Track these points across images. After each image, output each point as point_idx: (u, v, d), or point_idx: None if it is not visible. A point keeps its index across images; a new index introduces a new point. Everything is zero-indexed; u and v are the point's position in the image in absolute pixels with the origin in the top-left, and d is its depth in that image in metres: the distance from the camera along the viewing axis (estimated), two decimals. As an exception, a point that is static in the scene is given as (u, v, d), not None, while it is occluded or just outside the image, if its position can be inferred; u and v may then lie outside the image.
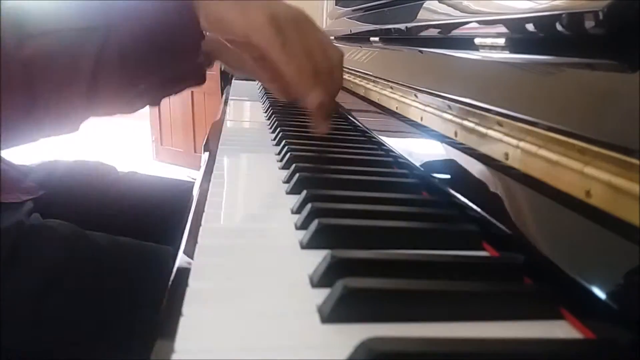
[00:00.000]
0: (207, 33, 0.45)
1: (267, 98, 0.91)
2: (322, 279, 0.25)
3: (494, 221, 0.31)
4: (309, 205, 0.34)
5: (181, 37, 0.42)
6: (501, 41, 0.40)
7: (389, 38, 0.75)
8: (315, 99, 0.46)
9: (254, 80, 1.16)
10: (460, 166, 0.38)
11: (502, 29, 0.41)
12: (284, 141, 0.54)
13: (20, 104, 0.38)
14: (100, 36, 0.38)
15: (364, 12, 0.93)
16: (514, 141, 0.31)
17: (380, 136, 0.56)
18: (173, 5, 0.41)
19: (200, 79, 0.49)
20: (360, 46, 0.82)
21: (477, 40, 0.44)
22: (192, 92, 2.80)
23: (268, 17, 0.42)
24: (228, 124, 0.72)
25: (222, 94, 1.06)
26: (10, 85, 0.37)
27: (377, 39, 0.79)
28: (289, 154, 0.49)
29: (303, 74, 0.44)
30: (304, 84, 0.45)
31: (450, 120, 0.39)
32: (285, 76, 0.45)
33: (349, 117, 0.69)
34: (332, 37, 1.12)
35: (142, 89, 0.44)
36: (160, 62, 0.43)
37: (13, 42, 0.36)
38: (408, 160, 0.46)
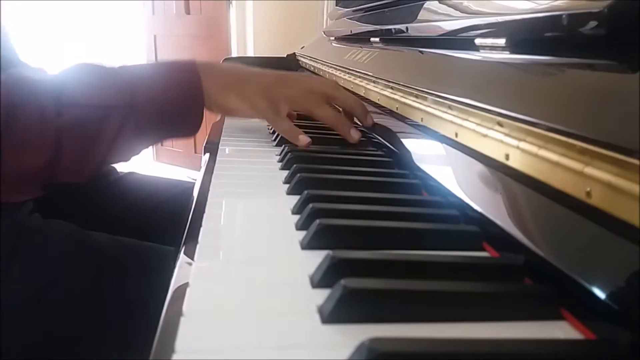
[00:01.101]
0: None
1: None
2: (323, 280, 0.25)
3: (495, 221, 0.31)
4: (309, 206, 0.34)
5: (189, 120, 0.51)
6: (501, 42, 0.40)
7: (389, 38, 0.75)
8: (329, 117, 0.56)
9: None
10: (460, 166, 0.38)
11: (503, 30, 0.41)
12: (284, 141, 0.54)
13: (44, 161, 0.44)
14: (122, 114, 0.46)
15: (365, 12, 0.93)
16: (514, 142, 0.31)
17: (380, 137, 0.56)
18: (187, 97, 0.49)
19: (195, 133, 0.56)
20: (361, 46, 0.82)
21: (477, 41, 0.44)
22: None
23: (265, 99, 0.53)
24: (228, 124, 0.72)
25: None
26: (42, 146, 0.43)
27: (377, 39, 0.79)
28: (289, 154, 0.49)
29: (292, 133, 0.54)
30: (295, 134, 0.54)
31: (451, 121, 0.39)
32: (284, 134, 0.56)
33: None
34: (333, 37, 1.12)
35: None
36: (168, 134, 0.52)
37: (52, 110, 0.43)
38: (408, 160, 0.46)
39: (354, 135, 0.55)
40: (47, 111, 0.43)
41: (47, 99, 0.43)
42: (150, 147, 3.21)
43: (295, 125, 0.56)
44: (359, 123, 0.59)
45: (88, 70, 0.47)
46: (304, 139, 0.53)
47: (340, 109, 0.59)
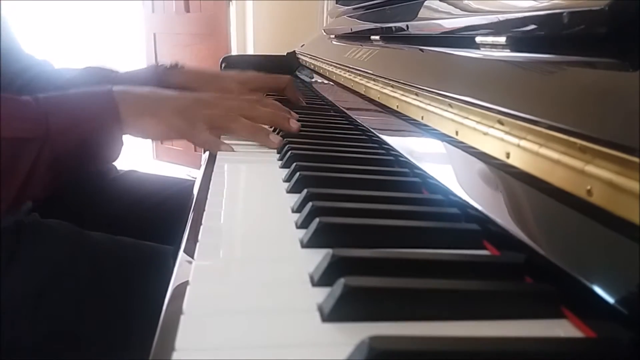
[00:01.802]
0: None
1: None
2: (323, 278, 0.25)
3: (495, 220, 0.31)
4: (309, 204, 0.34)
5: (108, 145, 0.50)
6: (502, 40, 0.40)
7: (389, 36, 0.75)
8: (263, 116, 0.57)
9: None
10: (461, 165, 0.38)
11: (503, 28, 0.41)
12: (284, 140, 0.54)
13: None
14: (36, 147, 0.44)
15: (365, 10, 0.93)
16: (514, 140, 0.31)
17: (380, 135, 0.56)
18: (103, 121, 0.49)
19: (116, 159, 0.56)
20: (361, 44, 0.82)
21: (478, 39, 0.44)
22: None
23: (181, 118, 0.52)
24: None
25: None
26: None
27: (377, 37, 0.79)
28: (289, 152, 0.49)
29: (212, 143, 0.54)
30: (214, 146, 0.53)
31: (451, 119, 0.39)
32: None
33: (349, 115, 0.69)
34: (333, 36, 1.12)
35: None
36: (89, 163, 0.51)
37: None
38: (409, 158, 0.46)
39: (274, 140, 0.55)
40: None
41: None
42: (150, 145, 3.21)
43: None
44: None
45: (2, 102, 0.46)
46: (225, 147, 0.52)
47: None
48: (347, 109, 0.72)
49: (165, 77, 0.75)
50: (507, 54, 0.40)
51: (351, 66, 0.75)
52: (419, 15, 0.60)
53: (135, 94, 0.53)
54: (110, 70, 0.75)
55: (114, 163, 0.74)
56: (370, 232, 0.31)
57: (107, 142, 0.50)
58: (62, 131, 0.46)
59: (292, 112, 0.60)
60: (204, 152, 0.54)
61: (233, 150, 0.52)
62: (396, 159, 0.50)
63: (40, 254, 0.50)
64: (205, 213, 0.35)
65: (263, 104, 0.59)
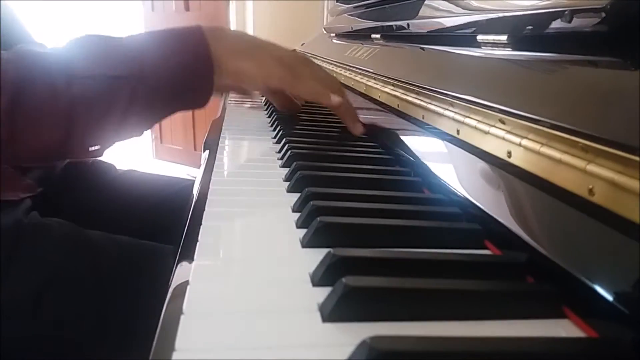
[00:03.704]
0: None
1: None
2: (323, 278, 0.25)
3: (496, 219, 0.30)
4: (309, 204, 0.34)
5: (199, 87, 0.49)
6: (503, 38, 0.40)
7: (390, 35, 0.74)
8: (336, 100, 0.55)
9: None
10: (462, 164, 0.38)
11: (505, 26, 0.40)
12: (284, 139, 0.54)
13: (58, 134, 0.43)
14: (131, 84, 0.45)
15: (365, 8, 0.92)
16: (516, 139, 0.30)
17: (381, 134, 0.56)
18: (195, 61, 0.48)
19: (206, 104, 0.55)
20: (362, 43, 0.82)
21: (479, 38, 0.44)
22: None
23: (279, 63, 0.51)
24: (228, 122, 0.71)
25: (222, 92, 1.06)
26: (55, 121, 0.42)
27: (378, 35, 0.79)
28: (289, 152, 0.49)
29: (317, 94, 0.55)
30: (322, 97, 0.55)
31: (452, 118, 0.39)
32: (304, 99, 0.57)
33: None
34: (333, 34, 1.12)
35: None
36: (179, 105, 0.50)
37: (63, 82, 0.42)
38: (410, 158, 0.46)
39: (359, 128, 0.56)
40: (57, 85, 0.42)
41: (56, 73, 0.42)
42: (150, 144, 3.21)
43: (296, 122, 0.55)
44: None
45: (94, 41, 0.46)
46: (336, 98, 0.52)
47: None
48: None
49: None
50: (508, 52, 0.40)
51: (352, 65, 0.75)
52: (419, 14, 0.60)
53: (228, 34, 0.52)
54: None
55: (113, 163, 0.74)
56: (371, 231, 0.31)
57: (199, 81, 0.49)
58: (154, 69, 0.46)
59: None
60: (204, 151, 0.53)
61: (346, 103, 0.53)
62: (397, 158, 0.49)
63: (40, 253, 0.50)
64: (205, 213, 0.35)
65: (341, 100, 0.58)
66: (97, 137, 0.46)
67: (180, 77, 0.47)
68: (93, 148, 0.46)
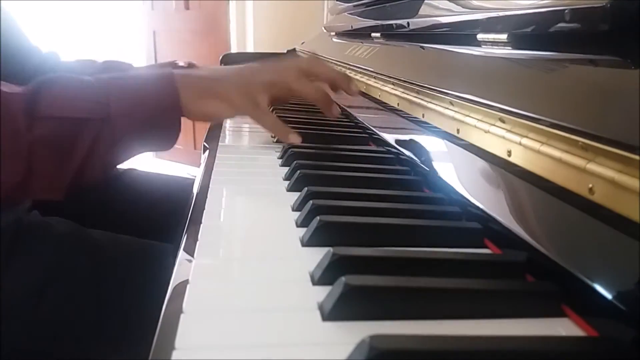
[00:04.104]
0: None
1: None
2: (323, 277, 0.25)
3: (496, 218, 0.30)
4: (309, 203, 0.34)
5: (165, 134, 0.50)
6: (503, 37, 0.40)
7: (390, 34, 0.74)
8: (310, 93, 0.54)
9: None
10: (462, 163, 0.38)
11: (505, 25, 0.40)
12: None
13: (16, 174, 0.42)
14: (95, 127, 0.44)
15: (365, 7, 0.92)
16: (516, 138, 0.30)
17: (381, 133, 0.56)
18: (163, 111, 0.48)
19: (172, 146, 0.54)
20: (362, 42, 0.82)
21: (479, 36, 0.44)
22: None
23: (241, 93, 0.51)
24: (228, 121, 0.71)
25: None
26: (14, 159, 0.41)
27: (378, 34, 0.78)
28: (289, 150, 0.49)
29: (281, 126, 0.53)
30: (281, 129, 0.53)
31: (452, 117, 0.39)
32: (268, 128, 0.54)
33: (350, 113, 0.69)
34: (333, 33, 1.12)
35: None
36: (143, 149, 0.50)
37: (25, 123, 0.41)
38: (409, 157, 0.46)
39: (334, 111, 0.54)
40: (19, 126, 0.41)
41: (19, 113, 0.41)
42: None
43: (296, 121, 0.55)
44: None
45: (63, 82, 0.46)
46: (293, 137, 0.51)
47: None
48: (348, 106, 0.72)
49: None
50: (508, 51, 0.40)
51: (352, 64, 0.75)
52: (419, 13, 0.59)
53: (195, 77, 0.52)
54: (129, 65, 0.76)
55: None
56: (371, 230, 0.31)
57: (167, 126, 0.49)
58: (123, 113, 0.45)
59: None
60: (204, 152, 0.53)
61: (301, 139, 0.51)
62: (397, 157, 0.49)
63: (40, 252, 0.50)
64: (205, 212, 0.35)
65: (320, 67, 0.56)
66: (57, 179, 0.45)
67: (147, 123, 0.47)
68: (55, 189, 0.45)
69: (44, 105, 0.43)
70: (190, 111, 0.49)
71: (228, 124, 0.70)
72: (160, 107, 0.48)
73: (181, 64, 0.80)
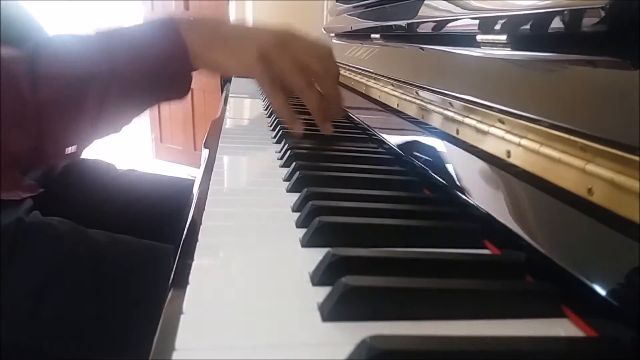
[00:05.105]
0: None
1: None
2: (323, 277, 0.25)
3: (496, 219, 0.30)
4: (309, 204, 0.34)
5: (175, 80, 0.48)
6: (503, 38, 0.40)
7: (390, 35, 0.74)
8: (313, 102, 0.52)
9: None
10: (461, 164, 0.38)
11: (504, 26, 0.40)
12: (284, 139, 0.54)
13: (28, 140, 0.41)
14: (103, 82, 0.42)
15: (365, 8, 0.92)
16: (515, 139, 0.30)
17: (381, 134, 0.56)
18: (169, 54, 0.46)
19: (186, 94, 0.53)
20: (361, 43, 0.82)
21: (478, 37, 0.44)
22: (192, 89, 2.80)
23: (258, 53, 0.48)
24: (228, 121, 0.71)
25: (222, 92, 1.06)
26: (23, 128, 0.40)
27: (378, 35, 0.79)
28: (289, 151, 0.49)
29: (285, 107, 0.51)
30: (287, 113, 0.52)
31: (452, 118, 0.39)
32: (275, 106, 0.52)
33: (350, 114, 0.69)
34: (333, 34, 1.12)
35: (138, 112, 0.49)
36: (156, 98, 0.48)
37: (28, 85, 0.39)
38: (409, 157, 0.46)
39: (328, 128, 0.54)
40: (23, 89, 0.39)
41: (21, 75, 0.39)
42: (150, 144, 3.21)
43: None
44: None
45: (63, 40, 0.44)
46: (297, 125, 0.50)
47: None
48: (347, 107, 0.72)
49: None
50: (507, 52, 0.40)
51: (351, 65, 0.75)
52: (419, 14, 0.60)
53: (202, 23, 0.50)
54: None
55: (113, 163, 0.74)
56: (371, 231, 0.31)
57: (175, 73, 0.47)
58: (127, 64, 0.44)
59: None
60: (204, 152, 0.53)
61: (303, 133, 0.50)
62: (396, 158, 0.50)
63: (41, 252, 0.50)
64: (205, 212, 0.35)
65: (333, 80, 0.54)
66: (71, 138, 0.44)
67: (154, 71, 0.45)
68: (70, 150, 0.44)
69: (45, 65, 0.41)
70: (198, 59, 0.47)
71: (228, 124, 0.71)
72: (164, 52, 0.46)
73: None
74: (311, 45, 0.53)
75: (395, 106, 0.53)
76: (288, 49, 0.50)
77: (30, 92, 0.39)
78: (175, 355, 0.20)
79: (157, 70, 0.46)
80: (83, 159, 0.73)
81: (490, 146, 0.33)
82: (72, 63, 0.42)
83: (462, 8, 0.50)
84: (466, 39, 0.46)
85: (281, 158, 0.50)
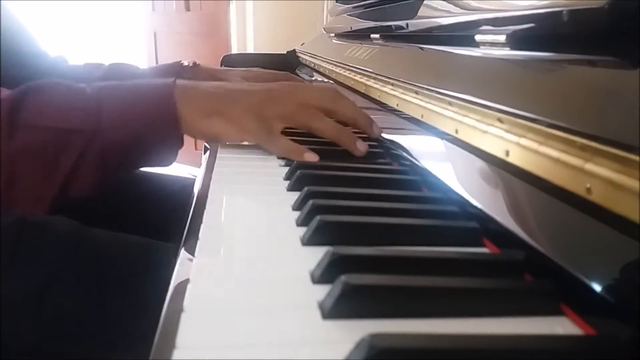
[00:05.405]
0: None
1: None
2: (323, 276, 0.25)
3: (495, 218, 0.31)
4: (309, 202, 0.34)
5: (162, 149, 0.46)
6: (502, 38, 0.40)
7: (389, 35, 0.75)
8: (329, 129, 0.49)
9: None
10: (460, 163, 0.38)
11: (503, 26, 0.41)
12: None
13: (1, 184, 0.40)
14: (84, 140, 0.41)
15: (365, 9, 0.93)
16: (514, 138, 0.31)
17: (380, 133, 0.56)
18: (159, 120, 0.44)
19: (170, 164, 0.51)
20: (361, 43, 0.82)
21: (477, 37, 0.44)
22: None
23: (254, 119, 0.47)
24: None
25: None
26: None
27: (377, 35, 0.79)
28: (289, 151, 0.49)
29: (290, 145, 0.48)
30: (295, 149, 0.48)
31: (451, 117, 0.39)
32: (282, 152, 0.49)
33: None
34: (333, 34, 1.12)
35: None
36: (139, 164, 0.46)
37: (7, 131, 0.39)
38: (408, 156, 0.46)
39: (360, 147, 0.49)
40: (1, 134, 0.38)
41: (2, 119, 0.39)
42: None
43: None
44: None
45: (52, 89, 0.43)
46: (310, 156, 0.47)
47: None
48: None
49: (186, 75, 0.75)
50: (506, 52, 0.40)
51: (351, 64, 0.75)
52: (418, 14, 0.60)
53: (199, 90, 0.48)
54: (135, 68, 0.75)
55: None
56: (371, 230, 0.31)
57: (163, 142, 0.45)
58: (113, 125, 0.42)
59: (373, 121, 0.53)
60: (205, 152, 0.54)
61: (318, 159, 0.47)
62: (396, 157, 0.50)
63: (43, 251, 0.50)
64: (206, 211, 0.35)
65: (342, 106, 0.51)
66: (41, 191, 0.42)
67: (140, 138, 0.44)
68: (39, 202, 0.43)
69: (27, 113, 0.40)
70: (191, 128, 0.46)
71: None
72: (155, 122, 0.44)
73: (186, 63, 0.80)
74: (305, 90, 0.52)
75: (395, 106, 0.53)
76: (279, 100, 0.49)
77: (6, 137, 0.39)
78: (176, 353, 0.20)
79: (144, 138, 0.44)
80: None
81: (489, 145, 0.34)
82: (55, 115, 0.41)
83: (462, 8, 0.50)
84: (465, 39, 0.46)
85: (282, 157, 0.50)
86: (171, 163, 0.47)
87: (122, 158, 0.44)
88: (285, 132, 0.56)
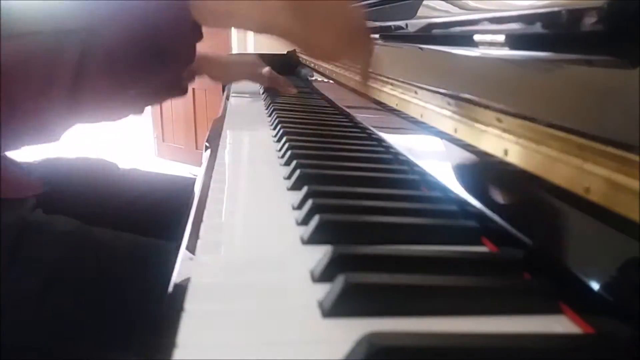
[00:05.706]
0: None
1: (268, 95, 0.91)
2: (323, 274, 0.26)
3: (493, 217, 0.31)
4: (309, 201, 0.34)
5: (175, 39, 0.38)
6: (501, 38, 0.40)
7: (389, 35, 0.75)
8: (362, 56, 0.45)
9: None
10: (459, 162, 0.38)
11: (502, 26, 0.41)
12: (284, 138, 0.55)
13: None
14: (81, 40, 0.35)
15: (364, 9, 0.92)
16: (513, 137, 0.31)
17: (380, 133, 0.56)
18: (166, 4, 0.37)
19: (183, 92, 0.47)
20: (361, 43, 0.82)
21: (476, 37, 0.44)
22: (193, 88, 2.80)
23: (290, 12, 0.39)
24: (229, 120, 0.72)
25: (223, 91, 1.07)
26: None
27: (377, 35, 0.79)
28: (289, 150, 0.49)
29: (334, 49, 0.42)
30: (338, 54, 0.43)
31: (450, 117, 0.39)
32: (315, 56, 0.43)
33: (349, 113, 0.70)
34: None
35: (129, 96, 0.41)
36: (151, 67, 0.39)
37: None
38: (408, 156, 0.46)
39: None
40: None
41: None
42: (152, 143, 3.21)
43: (296, 121, 0.54)
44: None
45: None
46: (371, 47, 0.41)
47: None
48: (347, 106, 0.72)
49: None
50: (505, 52, 0.40)
51: (351, 65, 0.75)
52: (418, 14, 0.60)
53: None
54: None
55: (115, 162, 0.74)
56: (370, 229, 0.32)
57: (175, 34, 0.38)
58: (110, 18, 0.35)
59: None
60: (205, 151, 0.54)
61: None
62: (395, 157, 0.50)
63: (44, 250, 0.50)
64: (206, 210, 0.35)
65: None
66: (44, 114, 0.36)
67: (145, 29, 0.36)
68: (43, 129, 0.37)
69: (11, 22, 0.34)
70: (206, 10, 0.38)
71: (229, 123, 0.71)
72: (161, 6, 0.36)
73: None
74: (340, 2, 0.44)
75: (394, 105, 0.53)
76: None
77: None
78: (176, 352, 0.20)
79: (150, 30, 0.37)
80: (86, 158, 0.74)
81: (487, 145, 0.34)
82: (41, 19, 0.35)
83: (461, 8, 0.50)
84: (465, 39, 0.46)
85: (282, 157, 0.50)
86: (192, 60, 0.39)
87: (131, 56, 0.37)
88: (288, 133, 0.57)
